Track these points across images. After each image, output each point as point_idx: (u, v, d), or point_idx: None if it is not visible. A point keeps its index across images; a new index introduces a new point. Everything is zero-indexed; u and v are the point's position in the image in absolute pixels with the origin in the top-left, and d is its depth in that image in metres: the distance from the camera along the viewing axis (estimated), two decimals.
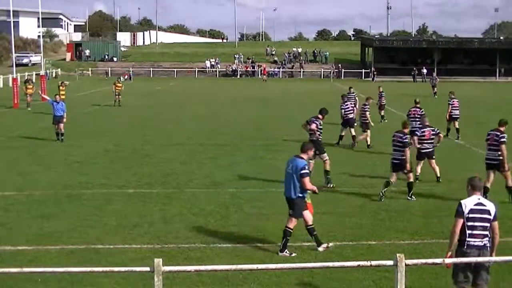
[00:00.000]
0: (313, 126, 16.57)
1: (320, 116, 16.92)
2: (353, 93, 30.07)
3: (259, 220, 13.09)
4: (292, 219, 10.94)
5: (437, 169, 16.69)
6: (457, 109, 25.27)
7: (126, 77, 68.39)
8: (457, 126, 25.06)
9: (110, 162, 19.89)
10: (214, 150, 22.29)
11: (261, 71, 76.77)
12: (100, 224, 12.75)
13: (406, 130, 15.38)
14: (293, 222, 10.94)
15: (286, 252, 10.85)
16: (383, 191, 14.70)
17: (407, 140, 14.97)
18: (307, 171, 10.82)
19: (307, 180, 10.78)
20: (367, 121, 22.99)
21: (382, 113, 31.45)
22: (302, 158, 11.04)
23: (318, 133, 16.64)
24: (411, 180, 14.93)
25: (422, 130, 16.61)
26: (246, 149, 22.42)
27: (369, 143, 22.59)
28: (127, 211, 13.83)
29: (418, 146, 16.36)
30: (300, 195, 10.83)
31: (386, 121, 30.67)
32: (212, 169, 18.65)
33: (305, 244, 11.38)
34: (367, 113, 23.08)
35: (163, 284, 7.22)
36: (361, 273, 9.71)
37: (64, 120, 24.50)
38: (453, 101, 25.33)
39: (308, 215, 10.98)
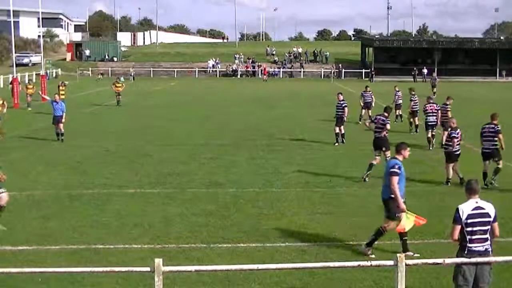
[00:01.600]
0: (388, 126, 17.78)
1: (386, 114, 18.15)
2: (369, 91, 31.57)
3: (259, 220, 13.09)
4: (387, 220, 10.76)
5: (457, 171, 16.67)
6: (417, 105, 27.30)
7: (99, 76, 69.73)
8: (417, 122, 27.09)
9: (110, 162, 19.88)
10: (214, 150, 22.28)
11: (261, 71, 76.74)
12: (101, 224, 12.75)
13: (496, 121, 16.11)
14: (389, 223, 10.71)
15: (369, 251, 10.79)
16: (485, 182, 15.68)
17: (499, 129, 15.93)
18: (396, 170, 10.55)
19: (393, 179, 10.52)
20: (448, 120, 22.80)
21: (400, 113, 31.48)
22: (397, 159, 10.87)
23: (385, 131, 17.74)
24: (500, 166, 15.98)
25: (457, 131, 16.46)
26: (246, 149, 22.41)
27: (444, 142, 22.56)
28: (127, 211, 13.83)
29: (456, 148, 16.33)
30: (393, 196, 10.58)
31: (401, 121, 30.72)
32: (212, 169, 18.65)
33: (305, 244, 11.39)
34: (449, 112, 22.99)
35: (164, 284, 7.22)
36: (361, 273, 9.71)
37: (63, 120, 24.50)
38: (415, 97, 27.70)
39: (403, 221, 10.54)
